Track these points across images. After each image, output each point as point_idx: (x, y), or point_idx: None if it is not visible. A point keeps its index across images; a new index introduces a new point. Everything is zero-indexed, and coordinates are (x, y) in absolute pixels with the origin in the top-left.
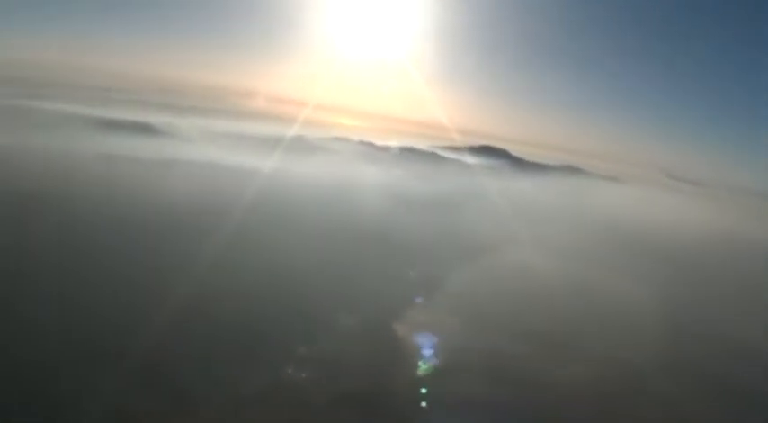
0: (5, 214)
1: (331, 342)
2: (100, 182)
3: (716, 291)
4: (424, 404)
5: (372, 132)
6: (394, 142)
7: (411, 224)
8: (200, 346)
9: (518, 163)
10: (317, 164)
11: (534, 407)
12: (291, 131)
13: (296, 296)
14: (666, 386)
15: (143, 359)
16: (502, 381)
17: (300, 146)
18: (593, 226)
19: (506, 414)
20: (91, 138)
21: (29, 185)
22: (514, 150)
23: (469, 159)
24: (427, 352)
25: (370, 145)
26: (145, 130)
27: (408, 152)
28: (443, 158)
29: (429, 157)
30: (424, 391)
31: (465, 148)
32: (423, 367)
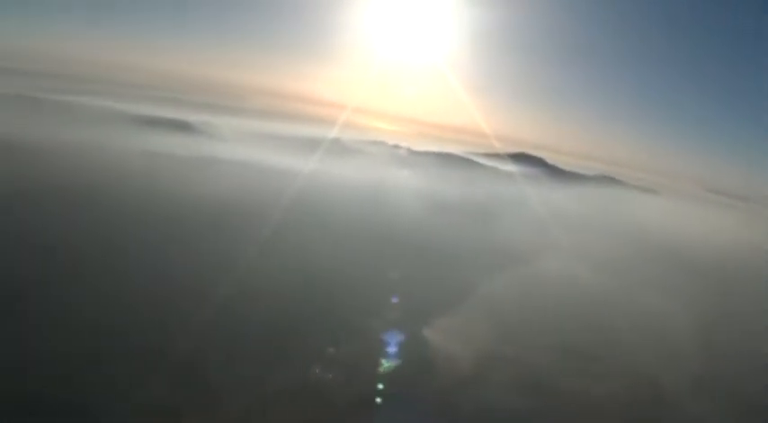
0: (49, 208)
1: (360, 345)
2: (139, 178)
3: (752, 308)
4: (450, 410)
5: (409, 137)
6: (430, 147)
7: (446, 230)
8: (231, 343)
9: (554, 171)
10: (354, 167)
11: (558, 419)
12: (329, 134)
13: (329, 297)
14: (695, 406)
15: (177, 356)
16: (530, 391)
17: (337, 148)
18: (629, 237)
19: None
20: (131, 134)
21: (70, 180)
22: (550, 158)
23: (506, 167)
24: (456, 359)
25: (407, 149)
26: (184, 128)
27: (445, 158)
28: (480, 165)
29: (465, 163)
30: (451, 398)
31: (501, 155)
32: (451, 374)
